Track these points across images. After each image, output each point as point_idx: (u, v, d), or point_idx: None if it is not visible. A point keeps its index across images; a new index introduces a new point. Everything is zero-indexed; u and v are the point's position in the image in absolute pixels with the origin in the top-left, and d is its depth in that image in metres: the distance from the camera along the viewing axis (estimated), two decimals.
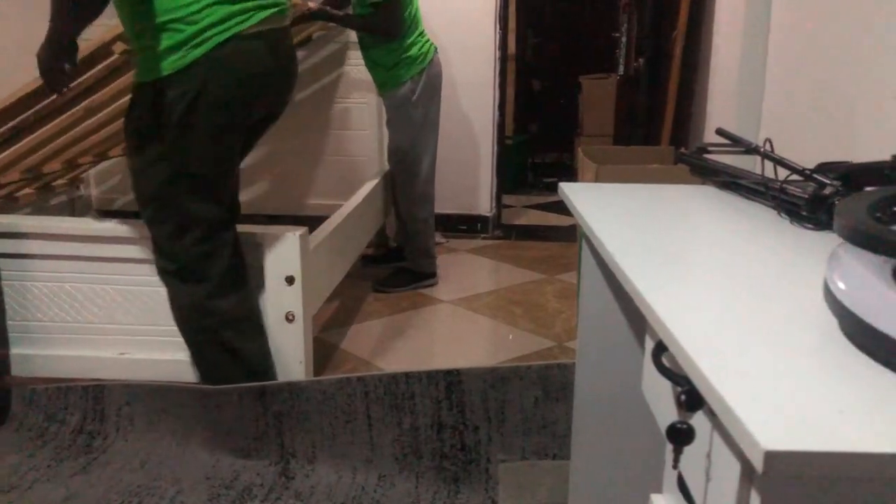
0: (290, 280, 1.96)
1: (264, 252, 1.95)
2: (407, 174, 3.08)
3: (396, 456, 1.82)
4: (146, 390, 1.94)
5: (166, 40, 1.65)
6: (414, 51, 2.90)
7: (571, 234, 4.03)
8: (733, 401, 0.52)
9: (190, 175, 1.77)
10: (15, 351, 2.13)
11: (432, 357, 2.53)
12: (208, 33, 1.67)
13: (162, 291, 1.93)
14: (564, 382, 1.76)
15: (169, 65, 1.66)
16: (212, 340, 1.88)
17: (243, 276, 1.91)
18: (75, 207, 3.62)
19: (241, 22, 1.71)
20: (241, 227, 1.98)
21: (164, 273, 1.87)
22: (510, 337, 2.65)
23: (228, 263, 1.85)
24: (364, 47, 2.98)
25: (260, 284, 1.98)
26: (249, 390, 1.85)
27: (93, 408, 1.99)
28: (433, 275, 3.21)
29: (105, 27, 1.91)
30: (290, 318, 1.98)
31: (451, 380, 1.81)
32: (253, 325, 1.93)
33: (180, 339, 2.03)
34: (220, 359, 1.89)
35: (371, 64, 2.99)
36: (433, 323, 2.81)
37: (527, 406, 1.80)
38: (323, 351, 2.48)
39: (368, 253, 3.52)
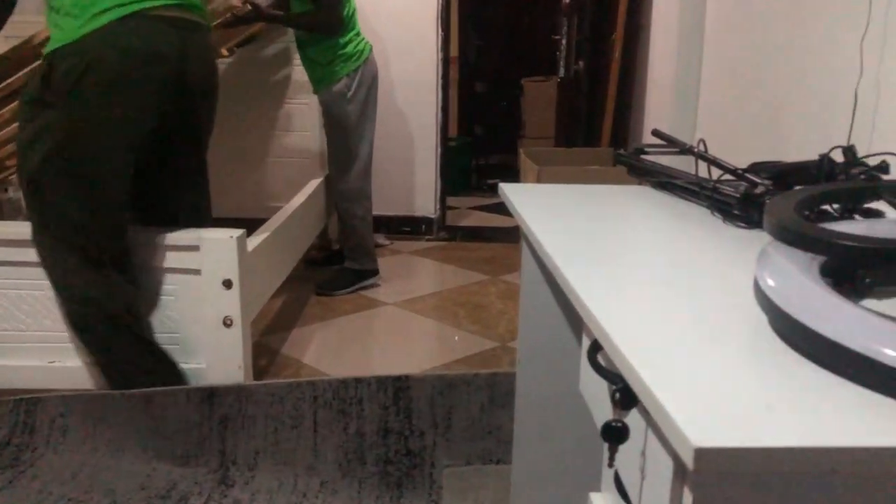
0: (227, 284, 1.91)
1: (201, 255, 1.91)
2: (342, 171, 3.07)
3: (340, 462, 1.79)
4: (83, 400, 1.88)
5: (70, 13, 1.61)
6: (350, 48, 2.91)
7: (515, 236, 4.06)
8: (665, 398, 0.52)
9: (66, 160, 1.67)
10: None
11: (376, 360, 2.51)
12: (108, 4, 1.62)
13: None
14: (510, 389, 1.76)
15: (65, 36, 1.62)
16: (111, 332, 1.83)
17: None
18: (3, 210, 3.48)
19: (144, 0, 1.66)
20: (176, 231, 1.93)
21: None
22: (455, 338, 2.65)
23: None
24: (300, 45, 2.96)
25: (196, 288, 1.93)
26: (198, 392, 1.81)
27: (23, 421, 1.91)
28: (375, 272, 3.21)
29: (36, 24, 1.84)
30: (227, 322, 1.93)
31: (400, 385, 1.81)
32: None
33: None
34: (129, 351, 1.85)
35: (308, 62, 2.97)
36: (377, 325, 2.80)
37: (473, 412, 1.81)
38: (264, 356, 2.44)
39: (311, 256, 3.48)
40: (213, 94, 1.95)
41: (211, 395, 1.82)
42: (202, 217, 2.03)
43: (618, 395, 0.64)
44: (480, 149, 6.40)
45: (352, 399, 1.81)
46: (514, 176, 6.19)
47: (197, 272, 1.92)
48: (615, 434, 0.64)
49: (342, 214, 3.16)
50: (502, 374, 1.80)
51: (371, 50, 3.03)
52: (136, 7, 1.64)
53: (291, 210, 2.70)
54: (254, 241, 2.14)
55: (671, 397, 0.52)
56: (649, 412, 0.55)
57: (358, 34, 2.97)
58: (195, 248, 1.90)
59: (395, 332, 2.74)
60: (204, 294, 1.93)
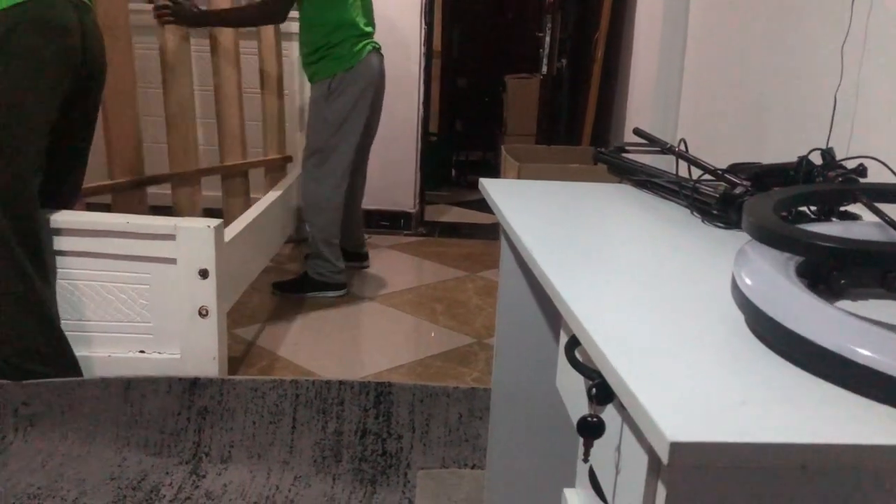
0: (203, 273, 1.90)
1: (177, 244, 1.89)
2: (309, 173, 2.91)
3: (315, 458, 1.79)
4: (47, 387, 1.85)
5: None
6: (342, 49, 2.79)
7: (494, 232, 4.06)
8: (641, 393, 0.53)
9: None
10: None
11: (351, 354, 2.50)
12: None
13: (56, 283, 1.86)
14: (490, 404, 1.78)
15: None
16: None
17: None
18: None
19: None
20: (153, 219, 1.92)
21: None
22: (432, 334, 2.65)
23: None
24: (299, 38, 2.89)
25: (172, 278, 1.92)
26: (180, 381, 1.81)
27: None
28: (339, 286, 2.99)
29: None
30: (203, 312, 1.92)
31: (382, 390, 1.84)
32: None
33: (88, 333, 1.96)
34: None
35: (301, 55, 2.93)
36: (353, 319, 2.78)
37: (451, 421, 1.83)
38: (237, 347, 2.42)
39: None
40: (104, 72, 2.04)
41: (193, 385, 1.81)
42: (77, 195, 2.10)
43: (594, 390, 0.64)
44: (460, 144, 6.40)
45: (333, 400, 1.82)
46: (493, 172, 6.19)
47: (172, 261, 1.90)
48: (591, 429, 0.64)
49: (304, 216, 3.01)
50: (481, 390, 1.83)
51: (374, 56, 2.88)
52: None
53: (269, 202, 2.68)
54: (231, 232, 2.12)
55: (647, 393, 0.53)
56: (625, 407, 0.55)
57: (360, 36, 2.82)
58: (171, 238, 1.88)
59: (371, 327, 2.73)
60: (179, 283, 1.91)
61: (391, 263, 3.53)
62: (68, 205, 2.00)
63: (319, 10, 2.78)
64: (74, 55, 1.86)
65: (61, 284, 1.94)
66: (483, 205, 5.15)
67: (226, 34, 2.97)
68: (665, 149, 1.30)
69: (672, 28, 2.19)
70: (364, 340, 2.63)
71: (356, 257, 3.31)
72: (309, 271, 2.96)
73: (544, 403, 1.28)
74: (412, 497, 1.71)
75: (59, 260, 1.93)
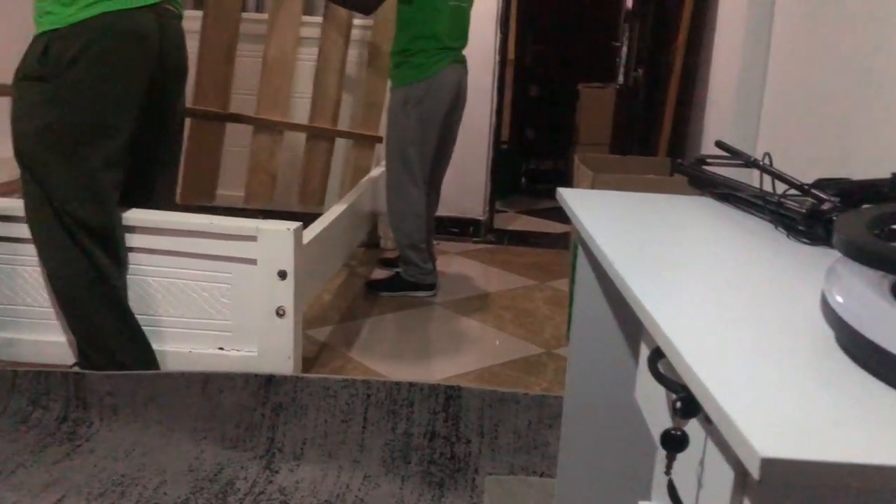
0: (282, 274, 1.95)
1: (259, 245, 1.95)
2: (388, 180, 3.00)
3: (385, 458, 1.82)
4: (129, 379, 1.93)
5: (60, 1, 1.80)
6: (420, 59, 2.80)
7: (564, 242, 4.04)
8: (731, 408, 0.53)
9: (58, 133, 1.82)
10: (0, 335, 2.11)
11: (419, 358, 2.53)
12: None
13: (139, 279, 1.98)
14: (559, 412, 1.78)
15: (58, 20, 1.79)
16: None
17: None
18: None
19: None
20: (236, 220, 1.98)
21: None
22: (497, 343, 2.65)
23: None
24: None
25: (253, 278, 1.98)
26: (257, 377, 1.87)
27: (75, 395, 1.98)
28: (429, 287, 3.09)
29: None
30: (280, 312, 1.97)
31: (451, 394, 1.85)
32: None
33: (169, 329, 2.03)
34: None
35: (390, 55, 2.95)
36: (421, 324, 2.81)
37: (520, 427, 1.83)
38: (310, 347, 2.47)
39: (385, 256, 3.51)
40: (182, 78, 2.11)
41: (268, 382, 1.87)
42: (171, 199, 2.20)
43: (679, 403, 0.64)
44: (530, 153, 6.39)
45: (403, 401, 1.85)
46: (564, 181, 6.15)
47: (253, 262, 1.96)
48: (675, 442, 0.65)
49: (388, 223, 3.14)
50: (552, 397, 1.83)
51: (453, 70, 2.89)
52: (123, 4, 1.83)
53: (345, 206, 2.74)
54: (309, 234, 2.18)
55: (737, 408, 0.53)
56: (712, 421, 0.55)
57: (441, 49, 2.82)
58: (253, 238, 1.94)
59: (439, 332, 2.76)
60: (259, 284, 1.97)
61: (460, 270, 3.55)
62: (160, 207, 2.08)
63: (409, 15, 2.80)
64: (150, 62, 1.92)
65: (146, 281, 2.02)
66: (552, 214, 5.13)
67: None
68: (749, 162, 1.29)
69: (755, 40, 2.15)
70: (432, 345, 2.65)
71: None
72: (401, 272, 3.08)
73: (618, 414, 1.28)
74: (480, 502, 1.72)
75: (146, 257, 2.01)
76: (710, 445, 0.62)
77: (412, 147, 2.88)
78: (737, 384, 0.56)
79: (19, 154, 1.87)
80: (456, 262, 3.66)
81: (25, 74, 1.84)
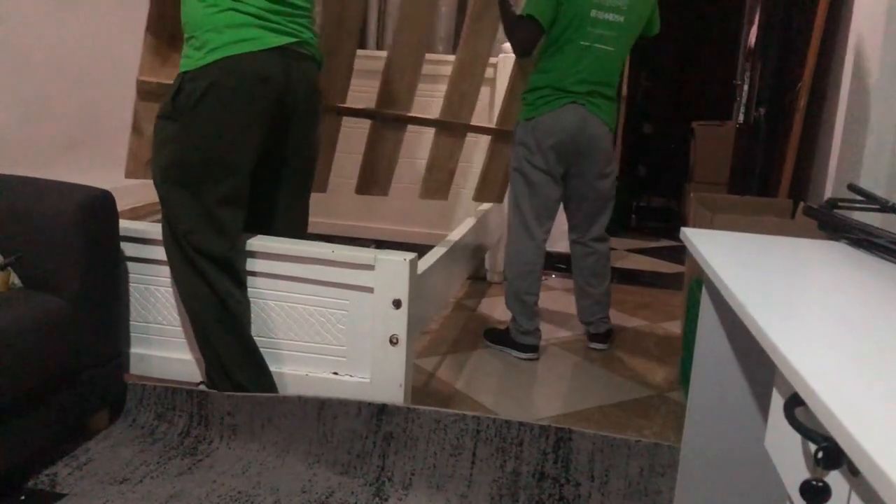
0: (397, 304, 2.00)
1: (375, 274, 2.00)
2: (509, 222, 2.86)
3: (493, 495, 1.82)
4: (249, 401, 2.01)
5: (195, 46, 1.93)
6: (534, 95, 2.69)
7: (676, 282, 3.94)
8: (882, 460, 0.51)
9: (181, 168, 1.96)
10: (132, 350, 2.24)
11: (526, 394, 2.52)
12: (229, 39, 1.91)
13: (261, 303, 2.09)
14: (672, 462, 1.74)
15: (192, 63, 1.92)
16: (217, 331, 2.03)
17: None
18: None
19: (255, 40, 1.93)
20: (354, 250, 2.04)
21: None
22: (610, 382, 2.61)
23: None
24: None
25: (369, 306, 2.03)
26: (370, 405, 1.92)
27: (198, 413, 2.08)
28: (527, 349, 2.80)
29: None
30: (394, 341, 2.01)
31: (562, 436, 1.84)
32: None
33: (287, 352, 2.11)
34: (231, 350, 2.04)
35: None
36: (529, 361, 2.80)
37: (632, 474, 1.80)
38: (418, 377, 2.51)
39: None
40: (313, 114, 2.17)
41: (381, 411, 1.91)
42: (303, 228, 2.27)
43: (821, 453, 0.63)
44: (642, 191, 6.30)
45: (513, 440, 1.85)
46: (675, 219, 6.02)
47: (370, 290, 2.01)
48: (816, 494, 0.63)
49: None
50: (666, 446, 1.79)
51: (571, 112, 2.65)
52: (248, 48, 1.93)
53: (458, 237, 2.77)
54: (423, 265, 2.22)
55: (889, 460, 0.51)
56: (860, 473, 0.53)
57: (559, 91, 2.64)
58: (370, 268, 2.00)
59: (547, 369, 2.74)
60: (374, 312, 2.02)
61: (567, 307, 3.52)
62: (289, 235, 2.17)
63: (543, 51, 2.71)
64: (271, 102, 1.99)
65: (268, 305, 2.11)
66: (664, 252, 5.02)
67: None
68: (886, 206, 1.23)
69: (889, 80, 2.07)
70: (539, 382, 2.64)
71: None
72: (509, 326, 2.86)
73: (740, 462, 1.24)
74: None
75: (268, 282, 2.09)
76: (855, 498, 0.59)
77: (520, 188, 2.78)
78: (887, 436, 0.54)
79: (155, 185, 2.04)
80: (564, 299, 3.63)
81: (161, 113, 1.99)
